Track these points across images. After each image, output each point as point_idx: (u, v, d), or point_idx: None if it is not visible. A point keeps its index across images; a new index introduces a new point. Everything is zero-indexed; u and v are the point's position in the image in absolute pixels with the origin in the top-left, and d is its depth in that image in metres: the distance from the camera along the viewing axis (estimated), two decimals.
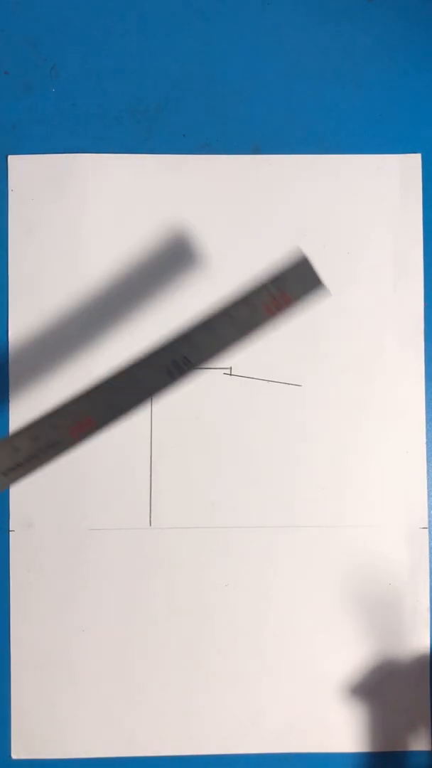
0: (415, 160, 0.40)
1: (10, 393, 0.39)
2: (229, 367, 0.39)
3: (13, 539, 0.39)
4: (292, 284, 0.32)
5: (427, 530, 0.39)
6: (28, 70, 0.39)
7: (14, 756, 0.38)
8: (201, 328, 0.32)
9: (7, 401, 0.39)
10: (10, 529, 0.39)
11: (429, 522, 0.39)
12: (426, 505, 0.39)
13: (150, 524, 0.39)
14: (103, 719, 0.39)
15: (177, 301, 0.39)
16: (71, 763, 0.38)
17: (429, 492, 0.39)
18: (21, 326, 0.39)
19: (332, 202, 0.40)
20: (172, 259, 0.39)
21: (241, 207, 0.40)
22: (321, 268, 0.39)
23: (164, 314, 0.39)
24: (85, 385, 0.32)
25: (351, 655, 0.39)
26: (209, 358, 0.32)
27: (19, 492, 0.39)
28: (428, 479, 0.39)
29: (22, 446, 0.31)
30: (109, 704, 0.39)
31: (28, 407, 0.39)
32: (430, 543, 0.39)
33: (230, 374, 0.39)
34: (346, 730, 0.39)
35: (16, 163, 0.39)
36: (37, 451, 0.32)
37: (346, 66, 0.40)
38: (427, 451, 0.39)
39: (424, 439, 0.39)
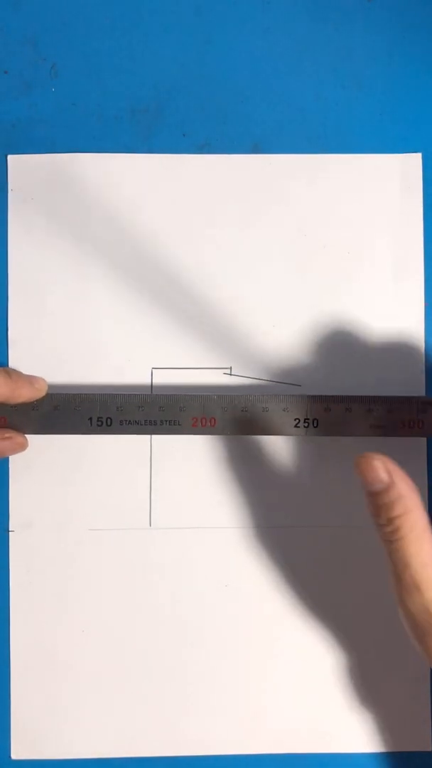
0: (415, 160, 0.40)
1: None
2: (229, 366, 0.39)
3: (13, 539, 0.39)
4: None
5: None
6: (28, 69, 0.39)
7: (14, 756, 0.38)
8: (340, 402, 0.37)
9: None
10: (10, 529, 0.39)
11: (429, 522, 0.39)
12: (425, 505, 0.39)
13: (150, 524, 0.39)
14: (103, 719, 0.39)
15: (176, 300, 0.39)
16: (71, 764, 0.38)
17: (429, 491, 0.39)
18: (21, 326, 0.39)
19: (332, 201, 0.40)
20: (172, 258, 0.39)
21: (240, 206, 0.40)
22: (321, 268, 0.40)
23: (164, 313, 0.39)
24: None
25: (351, 655, 0.39)
26: (334, 433, 0.38)
27: (19, 492, 0.39)
28: (428, 478, 0.39)
29: (144, 405, 0.37)
30: (109, 704, 0.39)
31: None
32: None
33: (230, 374, 0.39)
34: (345, 731, 0.39)
35: (15, 162, 0.39)
36: (157, 417, 0.37)
37: (346, 65, 0.40)
38: (428, 450, 0.39)
39: (423, 439, 0.39)
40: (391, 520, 0.30)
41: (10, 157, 0.39)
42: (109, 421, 0.37)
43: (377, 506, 0.31)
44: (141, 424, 0.37)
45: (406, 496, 0.30)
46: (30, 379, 0.37)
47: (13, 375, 0.36)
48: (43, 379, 0.38)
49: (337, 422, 0.37)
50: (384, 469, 0.30)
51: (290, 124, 0.40)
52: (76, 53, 0.40)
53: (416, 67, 0.40)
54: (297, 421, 0.37)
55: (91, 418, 0.37)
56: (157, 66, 0.40)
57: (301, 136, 0.40)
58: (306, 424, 0.37)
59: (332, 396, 0.38)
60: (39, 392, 0.37)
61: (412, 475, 0.37)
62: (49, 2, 0.40)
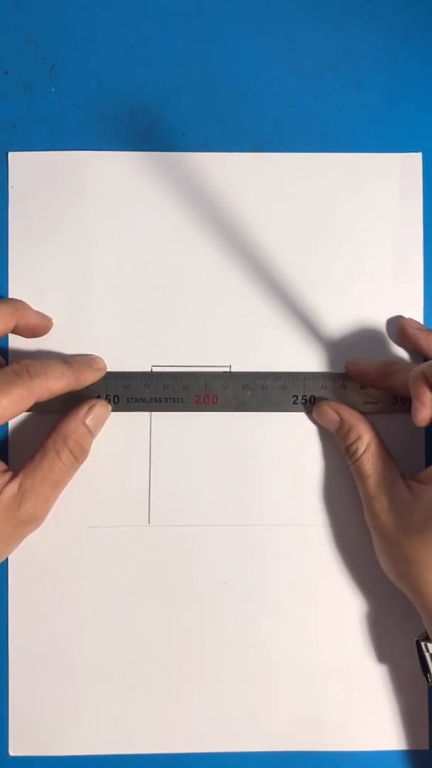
0: (415, 159, 0.40)
1: None
2: (228, 364, 0.39)
3: None
4: None
5: None
6: (28, 69, 0.40)
7: (11, 753, 0.38)
8: (335, 380, 0.39)
9: None
10: None
11: None
12: None
13: (149, 522, 0.39)
14: (101, 716, 0.39)
15: (176, 298, 0.39)
16: (69, 761, 0.38)
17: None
18: None
19: (332, 200, 0.40)
20: (172, 256, 0.40)
21: (240, 204, 0.40)
22: (321, 266, 0.40)
23: (163, 311, 0.39)
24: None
25: (350, 653, 0.39)
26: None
27: None
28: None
29: (151, 385, 0.39)
30: (107, 701, 0.39)
31: None
32: None
33: (229, 371, 0.39)
34: (344, 729, 0.39)
35: (16, 159, 0.39)
36: (162, 394, 0.39)
37: (346, 65, 0.40)
38: (427, 448, 0.39)
39: (423, 437, 0.39)
40: (348, 448, 0.37)
41: (10, 154, 0.39)
42: (116, 398, 0.39)
43: (339, 441, 0.38)
44: (147, 402, 0.39)
45: (355, 425, 0.37)
46: (89, 362, 0.38)
47: (73, 362, 0.37)
48: (100, 358, 0.39)
49: (333, 399, 0.39)
50: (332, 410, 0.38)
51: (290, 123, 0.40)
52: (76, 53, 0.40)
53: (416, 67, 0.41)
54: (295, 398, 0.39)
55: (99, 396, 0.39)
56: (156, 66, 0.40)
57: (301, 136, 0.40)
58: (304, 401, 0.39)
59: (328, 373, 0.39)
60: (101, 372, 0.38)
61: (411, 449, 0.39)
62: (49, 2, 0.40)
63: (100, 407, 0.38)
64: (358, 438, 0.37)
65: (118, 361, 0.39)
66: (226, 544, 0.39)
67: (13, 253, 0.39)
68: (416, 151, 0.40)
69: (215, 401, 0.39)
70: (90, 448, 0.37)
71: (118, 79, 0.40)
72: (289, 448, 0.39)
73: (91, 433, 0.37)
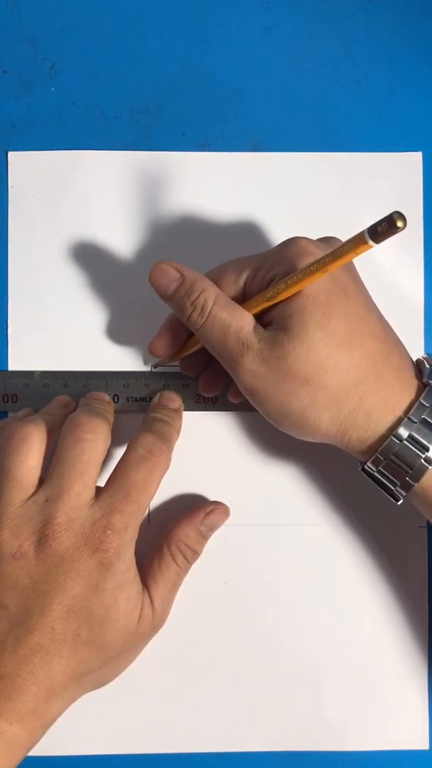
0: (415, 159, 0.40)
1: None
2: None
3: None
4: None
5: (425, 529, 0.39)
6: (28, 69, 0.40)
7: None
8: None
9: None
10: None
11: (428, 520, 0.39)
12: None
13: (149, 522, 0.39)
14: (101, 716, 0.39)
15: None
16: (68, 761, 0.38)
17: None
18: (20, 323, 0.39)
19: (332, 200, 0.40)
20: (171, 255, 0.40)
21: (240, 204, 0.40)
22: None
23: (163, 311, 0.40)
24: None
25: (350, 653, 0.39)
26: None
27: None
28: None
29: (151, 385, 0.39)
30: (107, 701, 0.38)
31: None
32: (429, 542, 0.39)
33: None
34: (343, 729, 0.39)
35: (16, 159, 0.39)
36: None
37: (346, 64, 0.40)
38: None
39: None
40: (194, 303, 0.33)
41: (10, 154, 0.39)
42: (116, 398, 0.39)
43: (181, 301, 0.33)
44: (147, 401, 0.39)
45: (198, 278, 0.33)
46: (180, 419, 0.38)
47: (173, 418, 0.37)
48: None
49: None
50: (173, 267, 0.34)
51: (290, 123, 0.40)
52: (76, 53, 0.40)
53: (416, 67, 0.41)
54: None
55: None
56: (156, 66, 0.40)
57: (301, 136, 0.40)
58: None
59: None
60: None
61: None
62: (49, 2, 0.40)
63: (217, 514, 0.38)
64: (204, 289, 0.33)
65: (118, 361, 0.39)
66: (227, 543, 0.39)
67: (13, 253, 0.39)
68: (416, 151, 0.40)
69: (215, 401, 0.39)
70: (202, 550, 0.37)
71: (118, 79, 0.40)
72: (288, 447, 0.39)
73: (205, 538, 0.37)
